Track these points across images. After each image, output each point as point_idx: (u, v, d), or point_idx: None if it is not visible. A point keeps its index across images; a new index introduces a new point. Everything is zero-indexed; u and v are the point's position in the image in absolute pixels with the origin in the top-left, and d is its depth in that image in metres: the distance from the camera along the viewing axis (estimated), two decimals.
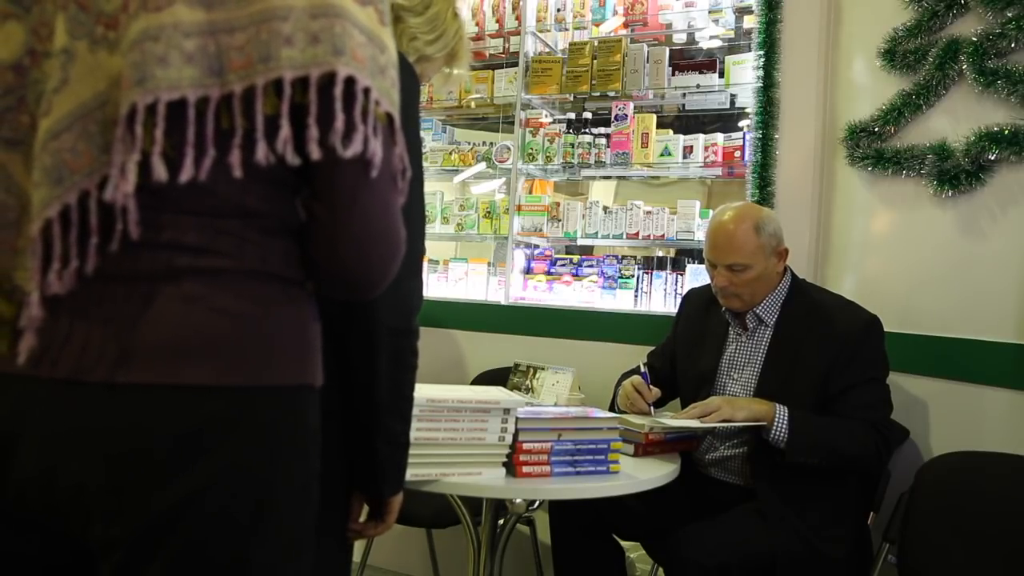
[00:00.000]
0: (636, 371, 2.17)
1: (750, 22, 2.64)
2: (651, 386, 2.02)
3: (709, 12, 2.78)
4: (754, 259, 1.93)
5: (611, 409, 2.11)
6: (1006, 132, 1.92)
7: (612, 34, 2.93)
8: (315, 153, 0.76)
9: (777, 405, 1.82)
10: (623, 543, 2.10)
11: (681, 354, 2.17)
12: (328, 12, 0.76)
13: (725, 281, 1.95)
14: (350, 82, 0.76)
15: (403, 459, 1.16)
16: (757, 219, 1.94)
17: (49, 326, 0.77)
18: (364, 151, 0.78)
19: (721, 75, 2.69)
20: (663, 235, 2.71)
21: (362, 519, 1.21)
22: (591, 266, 2.84)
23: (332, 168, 0.79)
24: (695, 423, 1.83)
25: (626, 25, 2.92)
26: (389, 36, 0.82)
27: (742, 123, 2.74)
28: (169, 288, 0.77)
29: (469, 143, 3.22)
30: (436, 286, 3.03)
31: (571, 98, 2.95)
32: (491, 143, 3.11)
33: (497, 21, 3.10)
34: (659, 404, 2.13)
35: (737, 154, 2.62)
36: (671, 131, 2.80)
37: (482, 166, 3.09)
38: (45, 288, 0.77)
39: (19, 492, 0.77)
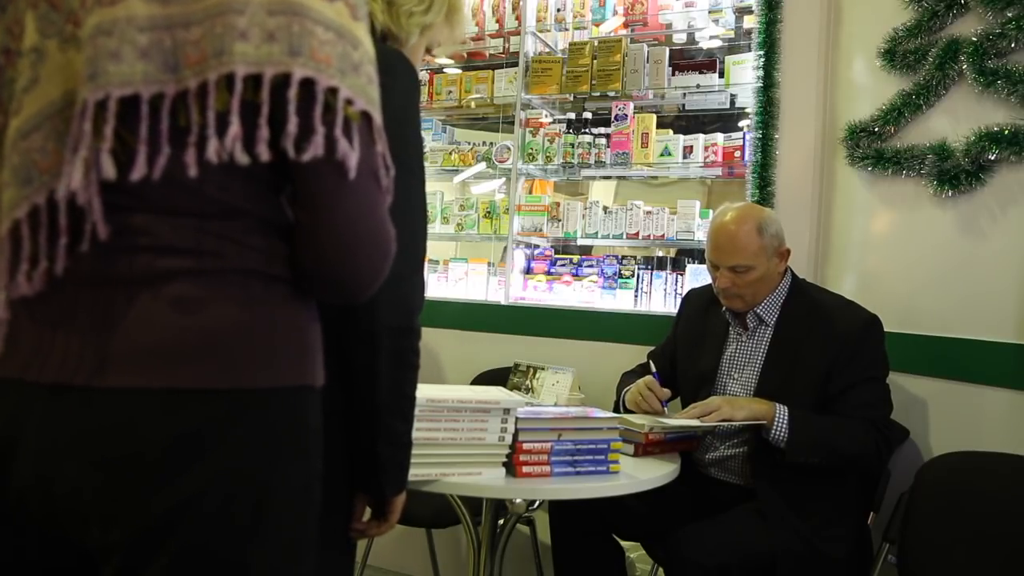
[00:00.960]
0: (638, 371, 2.17)
1: (750, 22, 2.64)
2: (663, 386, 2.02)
3: (709, 12, 2.78)
4: (757, 260, 1.93)
5: (615, 410, 2.11)
6: (1006, 132, 1.92)
7: (612, 34, 2.93)
8: (265, 154, 0.74)
9: (777, 405, 1.82)
10: (623, 543, 2.10)
11: (681, 354, 2.17)
12: (287, 9, 0.74)
13: (728, 282, 1.95)
14: (309, 83, 0.74)
15: (405, 459, 1.15)
16: (759, 220, 1.95)
17: (31, 331, 0.77)
18: (333, 153, 0.76)
19: (721, 75, 2.69)
20: (663, 235, 2.71)
21: (365, 519, 1.20)
22: (591, 266, 2.84)
23: (306, 170, 0.77)
24: (695, 422, 1.83)
25: (626, 25, 2.91)
26: (364, 31, 0.80)
27: (742, 123, 2.74)
28: (150, 291, 0.76)
29: (469, 143, 3.22)
30: (436, 286, 3.03)
31: (571, 98, 2.95)
32: (491, 143, 3.10)
33: (497, 21, 3.10)
34: (665, 405, 2.13)
35: (737, 154, 2.62)
36: (671, 131, 2.80)
37: (482, 166, 3.09)
38: (13, 289, 0.76)
39: (19, 497, 0.77)
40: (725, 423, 1.84)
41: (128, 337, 0.75)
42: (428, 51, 1.29)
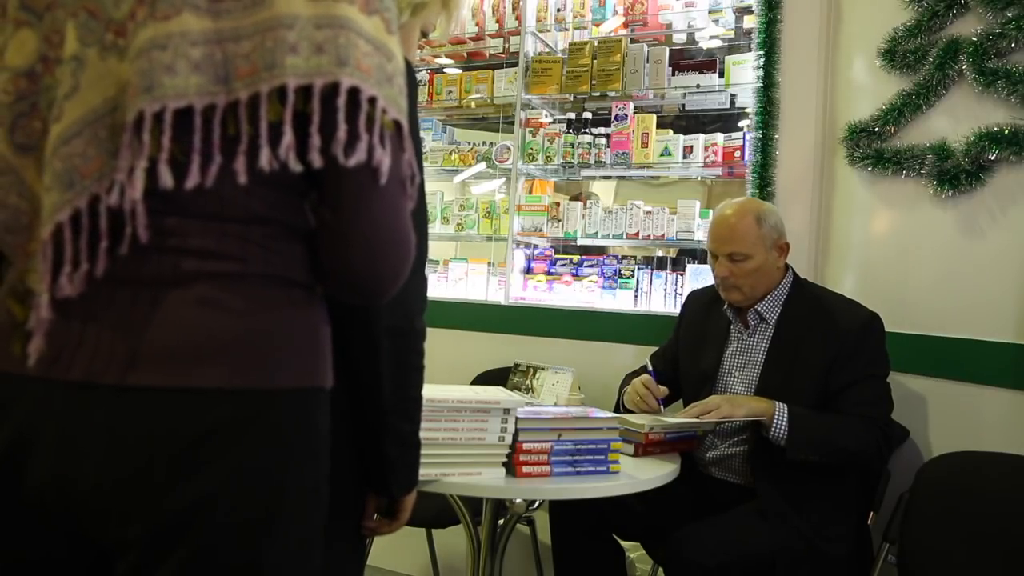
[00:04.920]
0: (640, 372, 2.17)
1: (750, 22, 2.64)
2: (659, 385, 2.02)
3: (709, 12, 2.78)
4: (754, 249, 1.95)
5: (616, 411, 2.11)
6: (1006, 132, 1.92)
7: (612, 34, 2.93)
8: (317, 161, 0.77)
9: (777, 403, 1.82)
10: (623, 543, 2.10)
11: (683, 354, 2.17)
12: (333, 23, 0.76)
13: (726, 271, 1.97)
14: (354, 92, 0.77)
15: (414, 459, 1.16)
16: (758, 211, 1.98)
17: (61, 330, 0.78)
18: (370, 159, 0.78)
19: (721, 75, 2.69)
20: (663, 235, 2.71)
21: (376, 517, 1.21)
22: (591, 266, 2.84)
23: (340, 175, 0.80)
24: (695, 420, 1.83)
25: (626, 25, 2.92)
26: (396, 44, 0.83)
27: (742, 123, 2.74)
28: (178, 292, 0.78)
29: (469, 143, 3.22)
30: (436, 286, 3.03)
31: (571, 98, 2.95)
32: (491, 143, 3.11)
33: (497, 21, 3.10)
34: (663, 405, 2.14)
35: (737, 154, 2.62)
36: (671, 131, 2.80)
37: (482, 166, 3.09)
38: (56, 291, 0.78)
39: (38, 495, 0.78)
40: (725, 421, 1.84)
41: (156, 336, 0.77)
42: (424, 35, 1.29)
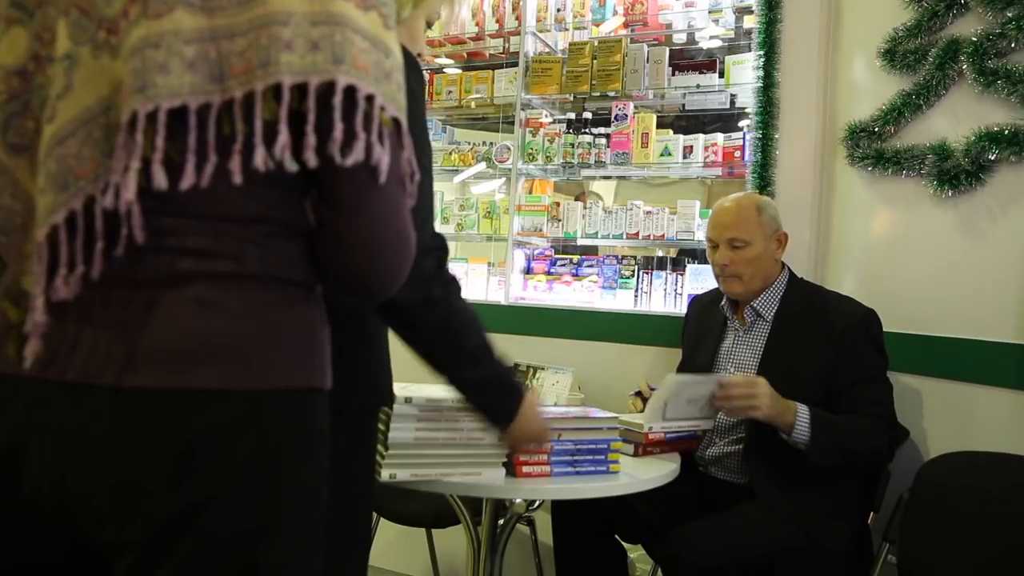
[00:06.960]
0: (637, 394, 2.12)
1: (750, 22, 2.64)
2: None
3: (709, 12, 2.77)
4: (755, 236, 1.97)
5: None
6: (1006, 132, 1.92)
7: (612, 34, 2.93)
8: (312, 161, 0.76)
9: (798, 404, 1.79)
10: (624, 543, 2.10)
11: (685, 356, 2.19)
12: (329, 19, 0.76)
13: (726, 259, 1.98)
14: (351, 90, 0.76)
15: (493, 393, 1.27)
16: (757, 201, 2.04)
17: (57, 331, 0.78)
18: (368, 158, 0.78)
19: (721, 75, 2.68)
20: (663, 235, 2.71)
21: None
22: (591, 266, 2.84)
23: (338, 174, 0.79)
24: (700, 416, 1.83)
25: (626, 25, 2.91)
26: (394, 40, 0.82)
27: (742, 123, 2.74)
28: (175, 292, 0.77)
29: (469, 143, 3.22)
30: None
31: (571, 98, 2.94)
32: (491, 143, 3.10)
33: (497, 21, 3.10)
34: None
35: (737, 154, 2.62)
36: (671, 131, 2.80)
37: (482, 166, 3.09)
38: (52, 293, 0.77)
39: (35, 496, 0.77)
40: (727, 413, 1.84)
41: (153, 338, 0.76)
42: (428, 25, 1.29)
